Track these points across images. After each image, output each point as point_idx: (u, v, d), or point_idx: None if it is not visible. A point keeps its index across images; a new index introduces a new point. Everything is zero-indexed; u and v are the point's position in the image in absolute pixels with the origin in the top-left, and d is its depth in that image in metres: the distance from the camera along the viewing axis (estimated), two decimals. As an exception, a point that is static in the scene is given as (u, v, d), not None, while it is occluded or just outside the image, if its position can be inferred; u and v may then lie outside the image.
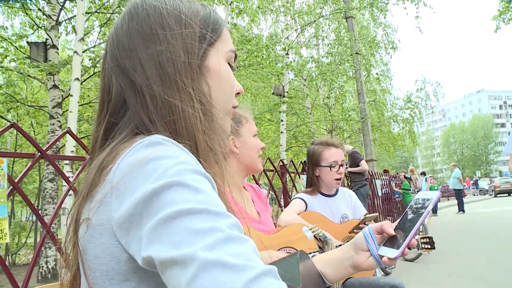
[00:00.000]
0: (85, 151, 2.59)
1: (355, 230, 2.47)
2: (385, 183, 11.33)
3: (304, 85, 14.66)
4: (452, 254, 7.16)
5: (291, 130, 14.33)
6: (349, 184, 7.48)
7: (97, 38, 8.94)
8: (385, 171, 12.63)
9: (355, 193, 6.79)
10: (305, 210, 2.58)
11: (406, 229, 0.98)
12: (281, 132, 11.84)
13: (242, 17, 11.89)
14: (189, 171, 0.62)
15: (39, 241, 2.47)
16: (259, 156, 1.88)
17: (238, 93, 0.89)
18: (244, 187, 1.98)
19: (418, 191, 8.57)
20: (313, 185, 2.69)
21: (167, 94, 0.73)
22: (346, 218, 2.66)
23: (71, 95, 5.27)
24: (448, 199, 28.92)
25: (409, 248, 0.97)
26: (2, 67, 8.05)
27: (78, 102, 5.41)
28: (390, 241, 1.00)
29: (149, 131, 0.72)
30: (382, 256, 0.99)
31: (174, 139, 0.69)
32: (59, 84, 7.50)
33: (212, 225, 0.56)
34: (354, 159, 7.45)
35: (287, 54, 11.54)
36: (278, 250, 1.80)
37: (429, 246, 2.49)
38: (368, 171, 8.33)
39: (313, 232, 1.84)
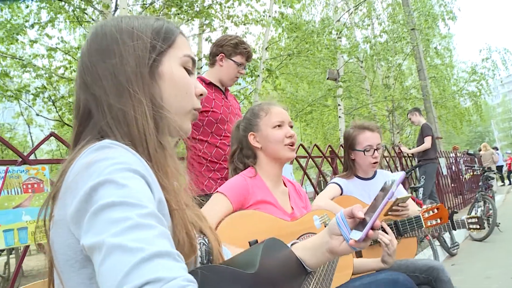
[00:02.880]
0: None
1: (389, 213, 2.42)
2: (453, 161, 10.82)
3: (361, 67, 14.30)
4: (528, 233, 6.71)
5: (350, 114, 14.06)
6: (418, 160, 7.14)
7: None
8: (454, 148, 12.05)
9: (422, 169, 6.53)
10: (341, 195, 2.56)
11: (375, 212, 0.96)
12: (339, 116, 11.66)
13: (292, 4, 11.81)
14: (122, 169, 0.71)
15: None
16: (286, 145, 1.86)
17: (201, 95, 0.96)
18: (284, 183, 2.00)
19: (483, 168, 8.05)
20: (349, 169, 2.67)
21: (120, 103, 0.84)
22: None
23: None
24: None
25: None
26: (64, 78, 8.58)
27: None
28: (362, 224, 1.00)
29: (108, 136, 0.83)
30: None
31: (129, 142, 0.81)
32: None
33: (125, 215, 0.64)
34: (422, 132, 7.07)
35: (339, 37, 11.31)
36: (300, 236, 1.81)
37: (477, 226, 2.38)
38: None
39: (321, 220, 1.83)
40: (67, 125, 8.20)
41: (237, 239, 1.62)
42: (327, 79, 11.62)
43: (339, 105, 11.61)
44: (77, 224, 0.70)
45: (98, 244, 0.62)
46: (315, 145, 4.88)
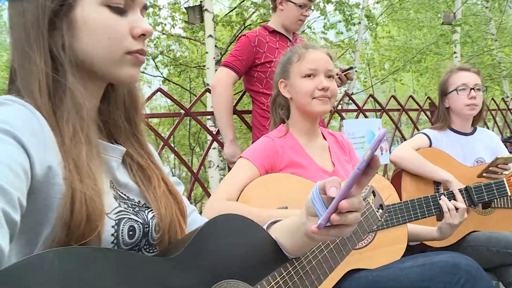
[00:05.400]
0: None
1: (484, 174, 2.04)
2: None
3: (486, 7, 12.63)
4: None
5: (469, 62, 12.61)
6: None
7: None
8: None
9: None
10: (430, 147, 2.22)
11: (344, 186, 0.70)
12: (455, 65, 10.53)
13: None
14: None
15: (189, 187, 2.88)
16: (315, 97, 1.57)
17: (144, 35, 0.80)
18: (323, 135, 1.75)
19: None
20: (443, 120, 2.32)
21: (20, 59, 0.76)
22: (482, 163, 2.21)
23: (207, 52, 5.50)
24: None
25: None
26: (172, 35, 8.90)
27: (214, 58, 5.59)
28: None
29: (21, 94, 0.75)
30: None
31: (33, 99, 0.73)
32: (216, 43, 7.91)
33: None
34: None
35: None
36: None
37: None
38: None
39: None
40: (167, 80, 8.54)
41: (264, 206, 1.44)
42: (442, 23, 10.47)
43: (455, 52, 10.45)
44: None
45: None
46: (411, 96, 4.40)
